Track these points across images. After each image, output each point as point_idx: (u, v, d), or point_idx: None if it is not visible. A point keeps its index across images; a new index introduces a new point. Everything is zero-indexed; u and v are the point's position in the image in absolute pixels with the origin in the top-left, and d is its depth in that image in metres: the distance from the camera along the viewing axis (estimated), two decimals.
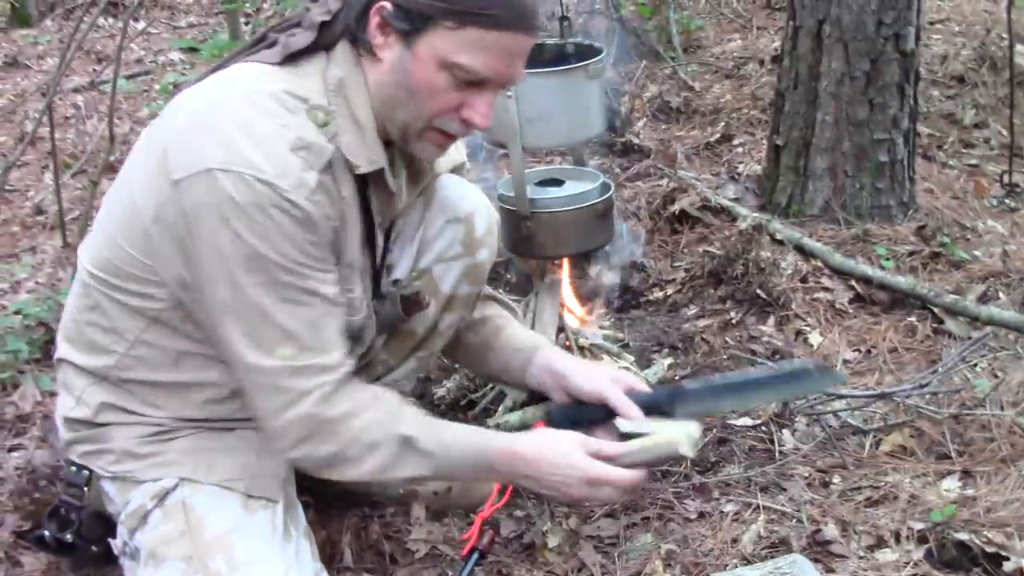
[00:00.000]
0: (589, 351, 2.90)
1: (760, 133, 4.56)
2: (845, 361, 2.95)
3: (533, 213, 2.80)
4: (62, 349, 2.00)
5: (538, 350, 2.24)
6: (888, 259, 3.41)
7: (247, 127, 1.70)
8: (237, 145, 1.68)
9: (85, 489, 1.99)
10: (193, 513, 1.88)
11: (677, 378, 2.90)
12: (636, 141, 4.60)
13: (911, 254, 3.46)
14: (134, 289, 1.86)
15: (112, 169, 4.56)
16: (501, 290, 3.37)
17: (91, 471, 1.97)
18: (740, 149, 4.51)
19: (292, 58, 1.81)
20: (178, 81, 5.20)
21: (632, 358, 2.95)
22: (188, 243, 1.73)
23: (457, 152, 2.24)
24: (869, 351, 3.01)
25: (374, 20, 1.76)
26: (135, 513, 1.91)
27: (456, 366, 2.83)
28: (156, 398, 1.92)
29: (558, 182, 2.96)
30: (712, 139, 4.64)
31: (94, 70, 6.13)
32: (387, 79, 1.80)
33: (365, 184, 1.89)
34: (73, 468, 2.00)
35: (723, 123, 4.81)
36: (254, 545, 1.86)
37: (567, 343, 2.88)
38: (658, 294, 3.43)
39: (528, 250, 2.92)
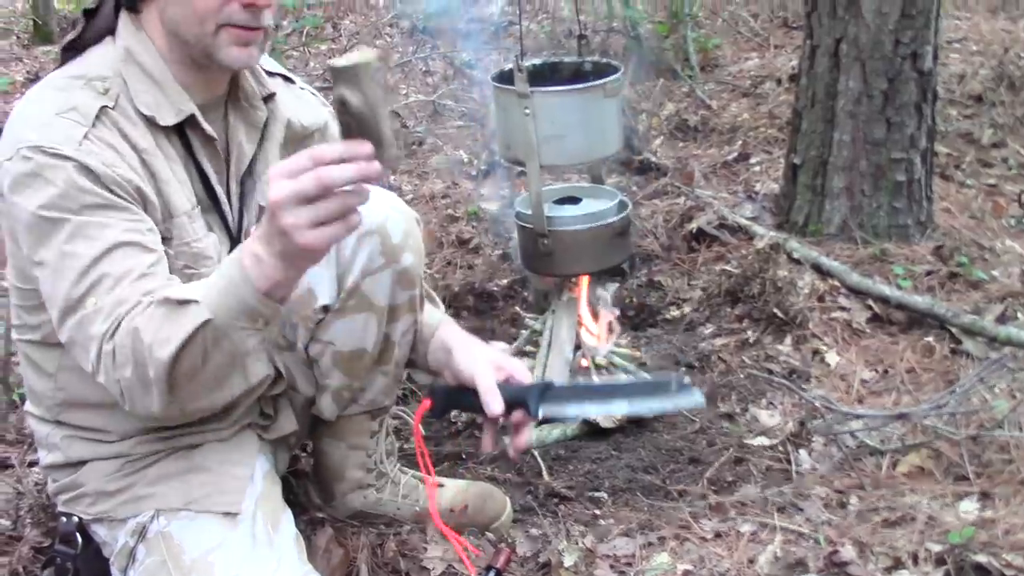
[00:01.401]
0: (606, 369, 2.90)
1: (777, 152, 4.56)
2: (862, 381, 2.94)
3: (550, 231, 2.81)
4: (26, 405, 2.06)
5: (438, 327, 2.21)
6: (905, 279, 3.40)
7: (23, 116, 1.79)
8: (13, 133, 1.77)
9: (77, 536, 1.99)
10: (171, 541, 1.88)
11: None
12: (653, 159, 4.61)
13: (929, 274, 3.45)
14: (33, 322, 1.90)
15: None
16: (518, 308, 3.38)
17: (83, 524, 1.99)
18: (757, 168, 4.52)
19: (74, 51, 1.89)
20: None
21: (649, 376, 2.95)
22: (16, 239, 1.79)
23: (315, 112, 2.19)
24: (887, 371, 3.00)
25: None
26: (123, 552, 1.92)
27: None
28: (102, 421, 1.94)
29: (575, 200, 2.97)
30: (729, 158, 4.65)
31: None
32: (163, 16, 1.84)
33: (186, 139, 1.91)
34: (63, 518, 2.01)
35: (740, 142, 4.82)
36: (234, 560, 1.84)
37: (584, 361, 2.88)
38: (675, 312, 3.43)
39: (545, 268, 2.92)
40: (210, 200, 1.96)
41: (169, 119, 1.86)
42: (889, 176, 3.69)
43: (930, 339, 3.11)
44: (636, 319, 3.44)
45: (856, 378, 2.95)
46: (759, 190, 4.20)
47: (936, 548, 2.17)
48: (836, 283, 3.34)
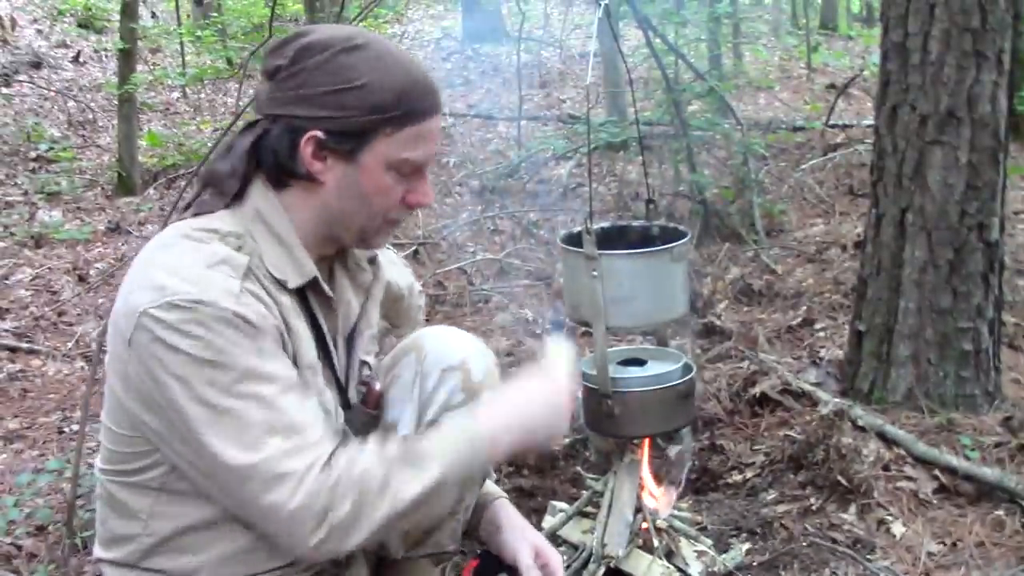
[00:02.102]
0: (667, 533, 2.87)
1: (842, 318, 4.56)
2: (929, 553, 2.89)
3: (615, 392, 2.82)
4: (97, 551, 2.06)
5: (495, 500, 2.37)
6: (973, 450, 3.36)
7: (161, 267, 1.80)
8: (157, 282, 1.77)
9: None
10: None
11: (754, 564, 2.86)
12: (718, 323, 4.63)
13: (997, 445, 3.40)
14: (134, 466, 1.91)
15: None
16: (579, 468, 3.38)
17: None
18: (822, 333, 4.51)
19: (201, 211, 1.94)
20: None
21: (710, 541, 2.92)
22: (155, 391, 1.78)
23: (404, 273, 2.42)
24: (955, 544, 2.94)
25: (307, 151, 1.87)
26: None
27: None
28: (184, 564, 1.94)
29: (640, 362, 2.98)
30: (794, 323, 4.65)
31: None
32: (334, 197, 1.91)
33: (305, 298, 1.97)
34: None
35: (805, 307, 4.83)
36: None
37: (645, 524, 2.86)
38: (737, 477, 3.40)
39: (608, 429, 2.92)
40: (324, 356, 2.02)
41: (295, 281, 1.92)
42: (956, 345, 3.67)
43: (1000, 512, 3.05)
44: (698, 483, 3.42)
45: (923, 550, 2.89)
46: (823, 356, 4.19)
47: None
48: (902, 452, 3.30)
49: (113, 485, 1.95)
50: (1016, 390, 3.86)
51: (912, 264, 3.70)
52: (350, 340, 2.14)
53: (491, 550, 2.30)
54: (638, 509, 2.89)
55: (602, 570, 2.72)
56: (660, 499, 3.00)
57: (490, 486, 2.43)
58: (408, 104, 1.86)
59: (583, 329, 3.52)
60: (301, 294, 1.95)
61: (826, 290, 4.99)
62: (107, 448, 1.95)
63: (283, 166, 1.90)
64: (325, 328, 2.02)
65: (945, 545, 2.94)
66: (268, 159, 1.91)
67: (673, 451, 3.24)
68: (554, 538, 2.85)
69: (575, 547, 2.83)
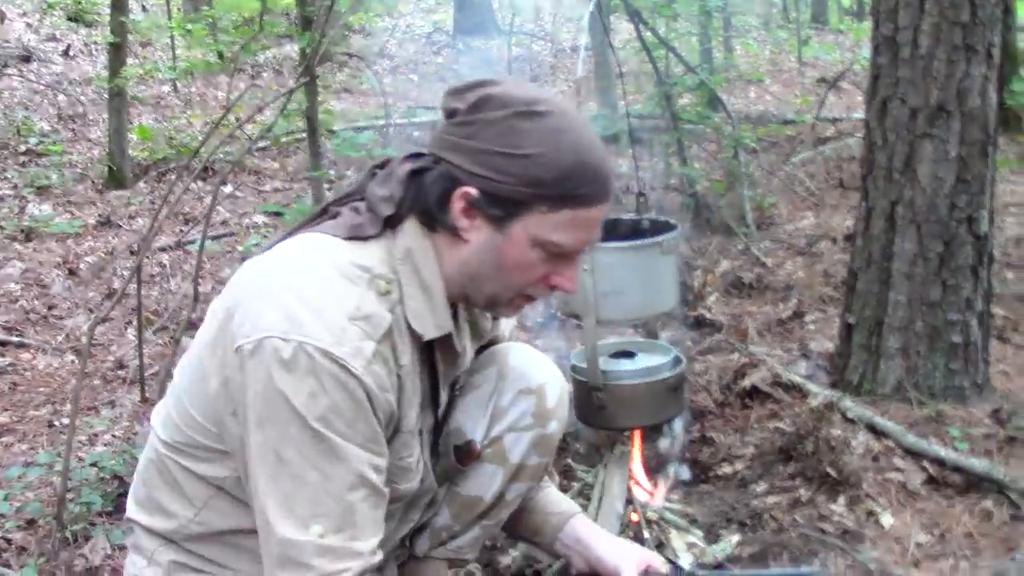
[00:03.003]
0: (657, 524, 2.88)
1: (832, 310, 4.57)
2: (918, 544, 2.90)
3: (605, 385, 2.83)
4: (131, 510, 2.03)
5: (571, 517, 2.31)
6: (962, 441, 3.37)
7: (307, 297, 1.73)
8: (296, 314, 1.70)
9: None
10: None
11: (744, 555, 2.87)
12: (708, 315, 4.64)
13: (986, 437, 3.41)
14: (202, 456, 1.88)
15: (193, 327, 4.70)
16: (569, 460, 3.38)
17: None
18: (812, 326, 4.52)
19: (355, 232, 1.85)
20: (261, 243, 5.36)
21: (700, 533, 2.93)
22: (241, 410, 1.75)
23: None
24: (943, 535, 2.95)
25: (458, 205, 1.80)
26: None
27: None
28: (226, 559, 1.94)
29: (630, 355, 3.00)
30: (784, 315, 4.66)
31: (181, 230, 6.34)
32: (475, 258, 1.84)
33: (431, 347, 1.94)
34: None
35: (795, 300, 4.84)
36: None
37: (635, 516, 2.87)
38: (727, 469, 3.41)
39: (599, 422, 2.94)
40: (431, 398, 2.01)
41: (430, 334, 1.87)
42: (945, 338, 3.69)
43: (988, 503, 3.06)
44: (688, 475, 3.43)
45: (911, 541, 2.91)
46: (813, 348, 4.20)
47: None
48: (891, 443, 3.31)
49: (172, 463, 1.92)
50: (1005, 382, 3.88)
51: (902, 257, 3.71)
52: (453, 385, 2.14)
53: (578, 567, 2.27)
54: (628, 501, 2.90)
55: None
56: (654, 491, 3.01)
57: (561, 501, 2.39)
58: (571, 186, 1.77)
59: (574, 323, 3.53)
60: (428, 343, 1.91)
61: (816, 283, 5.01)
62: (177, 426, 1.90)
63: (433, 210, 1.84)
64: (441, 379, 2.00)
65: (933, 536, 2.95)
66: (422, 198, 1.84)
67: (664, 444, 3.26)
68: None
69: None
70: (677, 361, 2.95)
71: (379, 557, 1.79)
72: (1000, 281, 4.71)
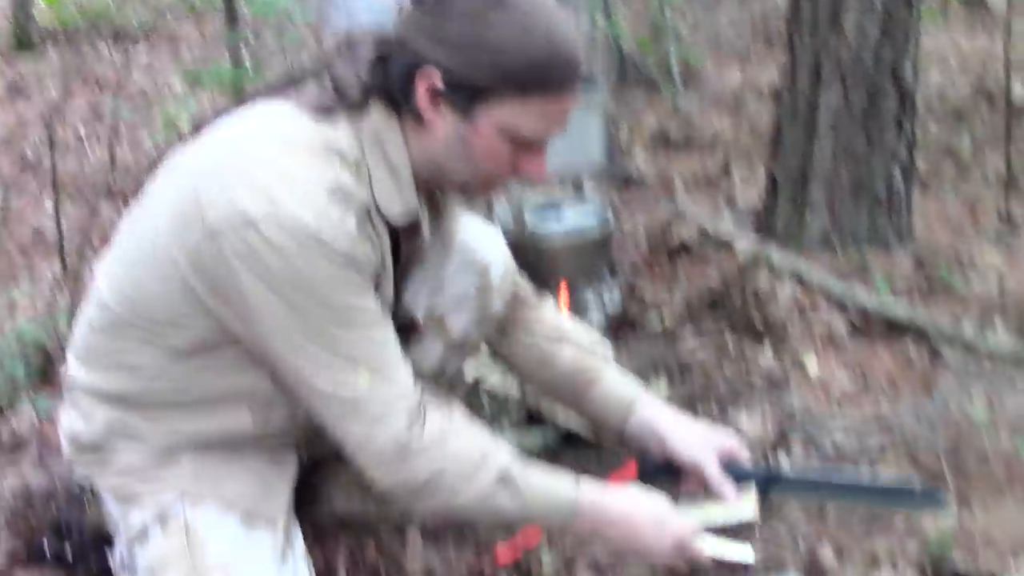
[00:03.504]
0: None
1: (758, 164, 4.58)
2: (842, 389, 2.96)
3: (532, 242, 2.82)
4: (73, 367, 1.99)
5: (636, 403, 2.20)
6: (885, 288, 3.42)
7: (282, 173, 1.68)
8: (276, 194, 1.65)
9: (86, 507, 1.99)
10: (195, 534, 1.86)
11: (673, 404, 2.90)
12: (635, 172, 4.63)
13: (908, 283, 3.47)
14: (159, 329, 1.82)
15: (111, 194, 4.61)
16: None
17: (93, 488, 1.97)
18: (739, 180, 4.54)
19: (322, 111, 1.79)
20: (178, 110, 5.23)
21: None
22: (235, 295, 1.71)
23: None
24: (866, 380, 3.01)
25: (421, 91, 1.74)
26: (135, 530, 1.90)
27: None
28: (171, 423, 1.92)
29: (557, 210, 2.98)
30: (711, 170, 4.67)
31: (95, 98, 6.17)
32: (440, 146, 1.79)
33: (396, 229, 1.90)
34: (76, 485, 2.00)
35: (722, 154, 4.85)
36: (253, 568, 1.84)
37: None
38: (655, 322, 3.43)
39: (526, 278, 2.93)
40: (394, 279, 1.96)
41: (400, 220, 1.82)
42: (869, 188, 3.72)
43: (909, 348, 3.13)
44: (617, 329, 3.45)
45: (836, 386, 2.96)
46: (740, 202, 4.22)
47: (914, 552, 2.18)
48: (816, 293, 3.35)
49: (125, 329, 1.86)
50: (927, 230, 3.94)
51: (827, 109, 3.71)
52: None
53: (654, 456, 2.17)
54: None
55: (523, 413, 2.75)
56: None
57: (616, 381, 2.25)
58: (540, 75, 1.70)
59: None
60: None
61: (743, 137, 5.01)
62: (128, 294, 1.84)
63: (398, 96, 1.77)
64: (403, 261, 1.96)
65: (857, 380, 3.01)
66: (388, 83, 1.77)
67: (591, 299, 3.27)
68: (475, 387, 2.86)
69: (494, 396, 2.85)
70: (604, 218, 2.93)
71: (420, 387, 1.81)
72: (924, 132, 4.74)
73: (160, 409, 1.89)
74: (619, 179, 4.58)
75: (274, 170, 1.68)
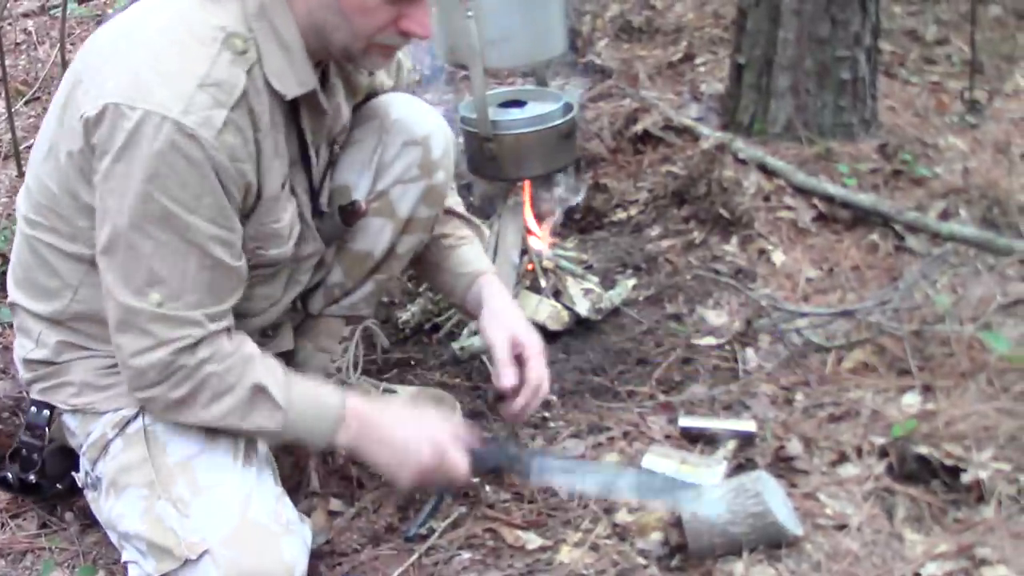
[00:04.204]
0: (553, 272, 2.89)
1: (722, 52, 4.52)
2: (808, 279, 2.96)
3: (495, 135, 2.78)
4: (12, 294, 1.99)
5: (478, 277, 2.27)
6: (850, 177, 3.41)
7: (156, 62, 1.67)
8: (144, 81, 1.65)
9: (47, 428, 1.99)
10: (155, 440, 1.87)
11: (640, 298, 2.91)
12: (598, 61, 4.57)
13: (873, 172, 3.46)
14: (66, 231, 1.84)
15: None
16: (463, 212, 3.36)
17: (52, 409, 1.97)
18: (702, 68, 4.48)
19: None
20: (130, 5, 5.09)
21: (596, 279, 2.96)
22: (94, 177, 1.71)
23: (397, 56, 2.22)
24: (831, 269, 3.02)
25: None
26: (96, 444, 1.90)
27: (420, 290, 2.84)
28: (98, 329, 1.91)
29: (520, 103, 2.93)
30: (674, 58, 4.60)
31: None
32: (316, 4, 1.76)
33: (296, 106, 1.86)
34: (34, 408, 2.00)
35: (685, 42, 4.78)
36: (216, 469, 1.85)
37: (530, 265, 2.88)
38: (621, 215, 3.42)
39: (490, 172, 2.90)
40: (301, 159, 1.94)
41: (292, 92, 1.79)
42: (834, 74, 3.68)
43: (874, 236, 3.13)
44: (582, 222, 3.43)
45: (802, 276, 2.97)
46: (704, 91, 4.17)
47: (879, 441, 2.21)
48: (782, 182, 3.34)
49: (40, 242, 1.88)
50: (892, 117, 3.91)
51: None
52: (332, 144, 2.07)
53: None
54: (524, 251, 2.90)
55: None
56: (546, 239, 3.02)
57: (475, 257, 2.33)
58: None
59: (462, 73, 3.45)
60: (293, 102, 1.84)
61: (706, 24, 4.94)
62: (39, 202, 1.86)
63: None
64: (308, 133, 1.93)
65: (822, 270, 3.02)
66: None
67: (556, 191, 3.24)
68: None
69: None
70: (568, 108, 2.89)
71: (221, 326, 1.79)
72: (888, 16, 4.69)
73: (96, 324, 1.88)
74: (582, 70, 4.52)
75: (148, 59, 1.67)
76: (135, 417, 1.89)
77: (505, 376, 2.09)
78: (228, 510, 1.80)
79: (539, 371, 2.13)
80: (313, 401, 1.86)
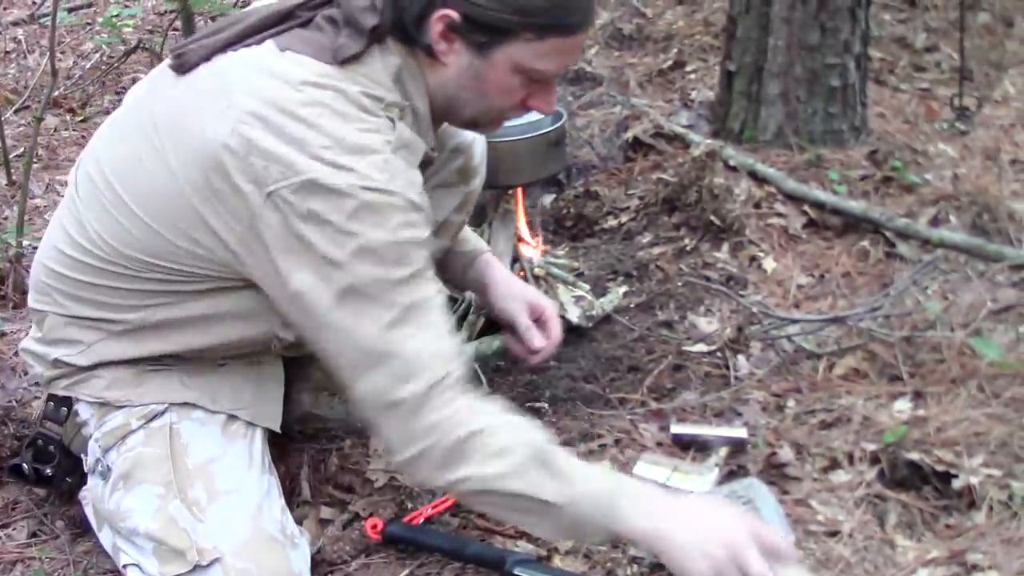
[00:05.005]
0: (544, 280, 2.89)
1: (713, 59, 4.54)
2: (799, 286, 2.97)
3: (487, 143, 2.78)
4: (59, 301, 1.93)
5: (477, 256, 2.34)
6: (840, 184, 3.42)
7: (338, 134, 1.65)
8: (336, 155, 1.63)
9: (65, 423, 1.99)
10: (178, 440, 1.86)
11: (631, 305, 2.91)
12: (588, 69, 4.58)
13: (863, 178, 3.47)
14: (160, 275, 1.81)
15: (56, 104, 4.51)
16: None
17: (70, 405, 1.96)
18: (693, 75, 4.50)
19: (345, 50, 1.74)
20: (121, 13, 5.09)
21: (587, 287, 2.95)
22: (295, 256, 1.67)
23: None
24: (822, 276, 3.03)
25: (436, 28, 1.72)
26: (114, 432, 1.88)
27: None
28: (157, 345, 1.90)
29: None
30: (665, 66, 4.62)
31: (34, 2, 6.00)
32: (453, 82, 1.79)
33: None
34: (51, 403, 1.99)
35: (676, 49, 4.79)
36: (233, 475, 1.85)
37: (521, 273, 2.88)
38: (612, 222, 3.42)
39: None
40: None
41: (418, 157, 1.79)
42: (824, 81, 3.69)
43: (865, 243, 3.14)
44: (573, 229, 3.44)
45: (793, 283, 2.97)
46: (695, 98, 4.18)
47: (871, 447, 2.21)
48: (772, 189, 3.35)
49: (119, 269, 1.83)
50: (882, 124, 3.93)
51: (781, 1, 3.67)
52: None
53: (483, 306, 2.45)
54: (515, 259, 2.90)
55: (481, 321, 2.74)
56: (536, 247, 3.02)
57: (472, 237, 2.40)
58: (558, 16, 1.71)
59: None
60: None
61: (696, 32, 4.95)
62: (137, 239, 1.80)
63: (410, 29, 1.74)
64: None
65: (813, 277, 3.02)
66: (400, 15, 1.73)
67: (547, 200, 3.25)
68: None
69: (454, 299, 2.84)
70: (558, 116, 2.89)
71: (550, 448, 1.71)
72: (877, 23, 4.71)
73: (146, 335, 1.88)
74: (573, 77, 4.52)
75: (326, 129, 1.65)
76: (163, 412, 1.88)
77: (536, 338, 2.24)
78: (242, 519, 1.80)
79: (558, 329, 2.30)
80: (596, 478, 1.73)
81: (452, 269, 2.34)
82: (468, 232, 2.40)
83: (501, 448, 1.67)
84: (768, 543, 1.64)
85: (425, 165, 1.84)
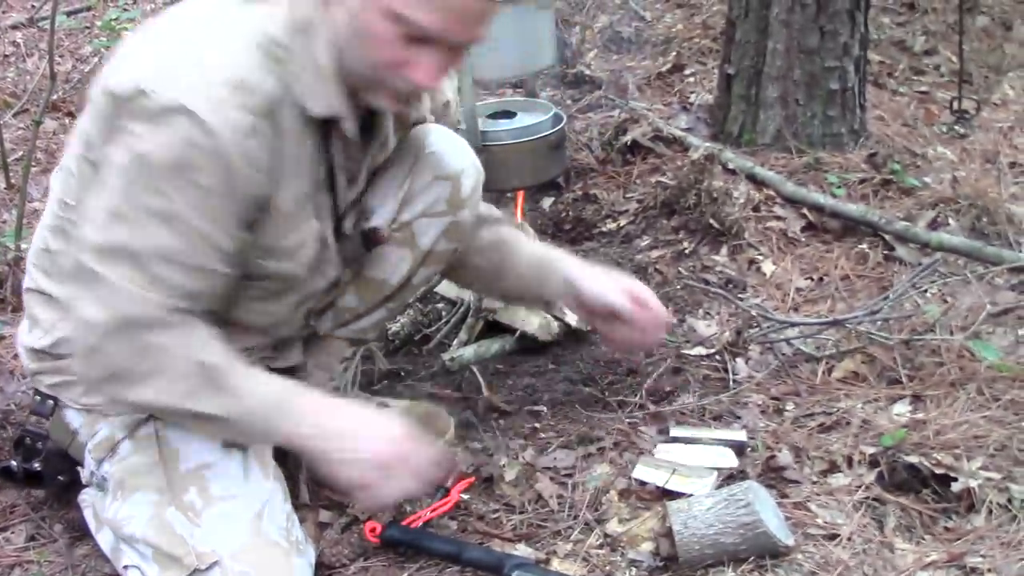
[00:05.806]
0: None
1: (711, 62, 4.54)
2: (798, 289, 2.97)
3: (485, 146, 2.79)
4: (34, 278, 1.96)
5: (555, 262, 2.32)
6: (839, 187, 3.42)
7: (194, 54, 1.66)
8: (177, 69, 1.65)
9: (50, 418, 1.98)
10: (166, 446, 1.86)
11: None
12: (587, 72, 4.58)
13: (862, 181, 3.47)
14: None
15: (55, 108, 4.50)
16: None
17: (56, 401, 1.96)
18: (692, 79, 4.50)
19: None
20: (120, 16, 5.09)
21: None
22: (107, 147, 1.69)
23: (440, 93, 2.24)
24: (821, 279, 3.03)
25: None
26: (103, 444, 1.89)
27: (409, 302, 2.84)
28: None
29: (510, 114, 2.94)
30: (663, 69, 4.62)
31: (33, 6, 6.00)
32: (342, 23, 1.74)
33: (328, 129, 1.86)
34: (38, 398, 1.99)
35: (674, 53, 4.80)
36: (229, 481, 1.84)
37: None
38: (611, 225, 3.42)
39: None
40: (328, 183, 1.92)
41: (318, 111, 1.78)
42: (823, 85, 3.69)
43: (864, 246, 3.14)
44: (572, 232, 3.44)
45: (791, 286, 2.97)
46: (694, 101, 4.19)
47: (870, 451, 2.21)
48: (771, 192, 3.35)
49: (74, 227, 1.82)
50: (880, 127, 3.93)
51: (780, 4, 3.67)
52: (374, 173, 2.08)
53: (569, 308, 2.45)
54: None
55: (481, 323, 2.74)
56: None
57: (539, 251, 2.37)
58: None
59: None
60: (323, 124, 1.82)
61: (695, 35, 4.95)
62: (71, 184, 1.85)
63: None
64: (339, 160, 1.90)
65: (812, 280, 3.02)
66: None
67: (546, 203, 3.25)
68: (431, 294, 2.85)
69: (452, 302, 2.84)
70: (557, 119, 2.90)
71: (179, 306, 1.70)
72: (876, 27, 4.72)
73: None
74: (571, 81, 4.53)
75: (189, 51, 1.68)
76: (147, 420, 1.88)
77: (641, 314, 2.26)
78: (240, 523, 1.79)
79: (661, 306, 2.32)
80: (264, 392, 1.76)
81: (528, 285, 2.34)
82: (534, 245, 2.39)
83: (168, 363, 1.68)
84: (416, 468, 1.78)
85: (339, 132, 1.84)
